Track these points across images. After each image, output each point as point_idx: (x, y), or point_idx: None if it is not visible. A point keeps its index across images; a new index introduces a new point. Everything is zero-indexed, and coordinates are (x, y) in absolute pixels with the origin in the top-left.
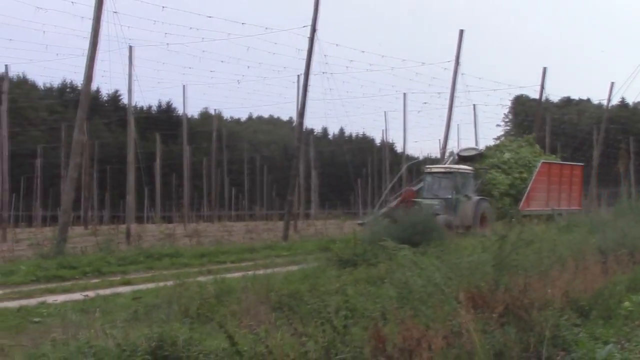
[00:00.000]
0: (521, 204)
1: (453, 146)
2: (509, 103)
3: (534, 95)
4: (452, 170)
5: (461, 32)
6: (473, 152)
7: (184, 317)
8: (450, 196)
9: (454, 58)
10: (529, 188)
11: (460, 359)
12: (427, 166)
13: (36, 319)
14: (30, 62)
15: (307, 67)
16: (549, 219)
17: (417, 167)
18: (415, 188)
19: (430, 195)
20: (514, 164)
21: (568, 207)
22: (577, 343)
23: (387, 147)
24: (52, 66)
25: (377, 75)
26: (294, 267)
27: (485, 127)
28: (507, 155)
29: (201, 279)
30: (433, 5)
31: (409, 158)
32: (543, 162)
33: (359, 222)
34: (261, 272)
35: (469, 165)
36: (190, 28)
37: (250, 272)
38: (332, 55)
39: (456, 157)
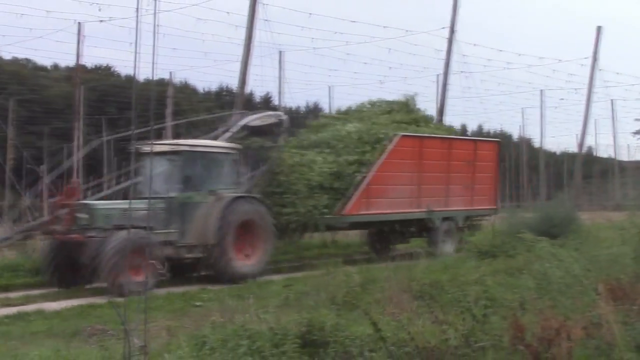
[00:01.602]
0: (348, 204)
1: (589, 142)
2: None
3: None
4: (179, 148)
5: (599, 28)
6: (270, 121)
7: (331, 304)
8: (174, 194)
9: (591, 54)
10: (366, 178)
11: (600, 349)
12: (143, 143)
13: (197, 303)
14: (191, 69)
15: (446, 67)
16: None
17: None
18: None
19: (147, 192)
20: (355, 141)
21: (468, 208)
22: None
23: (525, 142)
24: (210, 71)
25: (515, 73)
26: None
27: (624, 121)
28: (350, 126)
29: (347, 268)
30: (570, 2)
31: (547, 153)
32: (403, 137)
33: None
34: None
35: (261, 140)
36: (335, 33)
37: (393, 263)
38: (470, 54)
39: (242, 129)
